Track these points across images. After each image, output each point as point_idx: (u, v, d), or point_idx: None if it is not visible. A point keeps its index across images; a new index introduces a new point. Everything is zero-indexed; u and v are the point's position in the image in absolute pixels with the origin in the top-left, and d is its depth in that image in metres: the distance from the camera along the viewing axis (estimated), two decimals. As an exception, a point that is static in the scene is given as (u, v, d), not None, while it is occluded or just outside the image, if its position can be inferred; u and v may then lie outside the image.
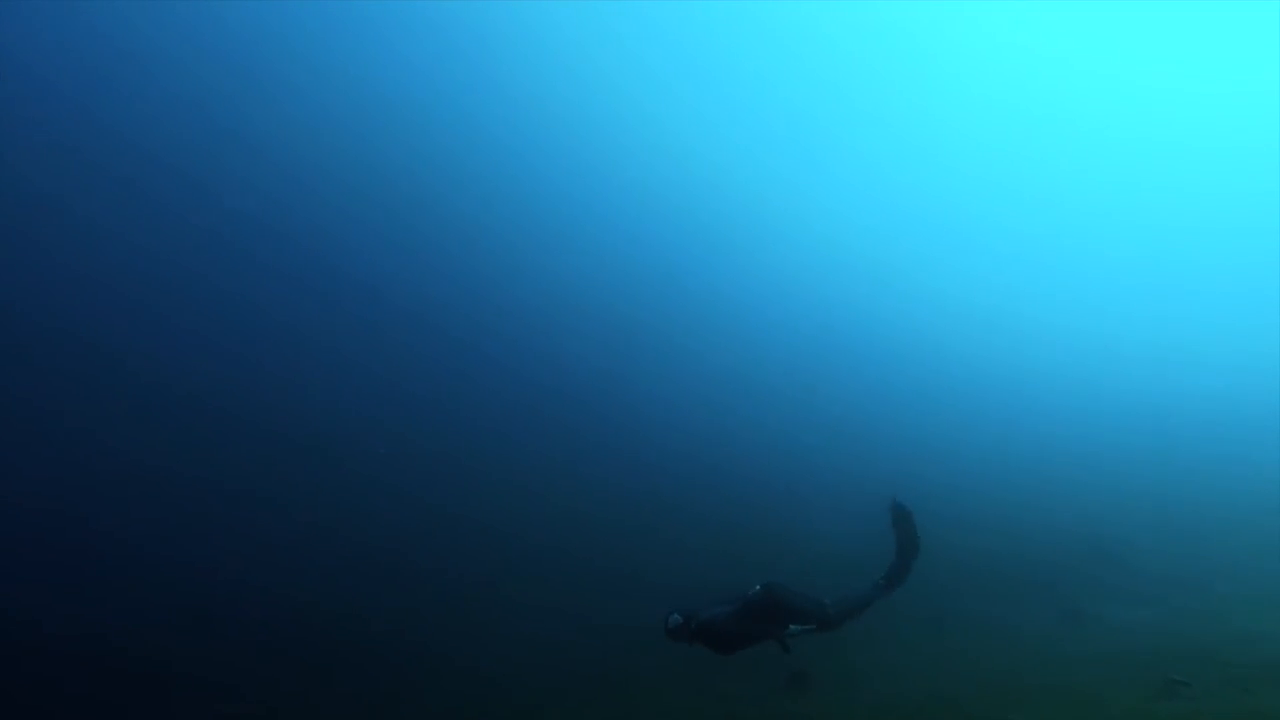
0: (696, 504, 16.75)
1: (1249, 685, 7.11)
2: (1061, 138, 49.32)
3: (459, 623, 11.90)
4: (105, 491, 15.58)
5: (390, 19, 29.18)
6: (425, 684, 10.18)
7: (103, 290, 20.12)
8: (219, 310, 21.88)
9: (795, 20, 42.36)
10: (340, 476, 17.52)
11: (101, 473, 16.04)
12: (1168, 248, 44.87)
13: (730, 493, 17.40)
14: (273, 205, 24.72)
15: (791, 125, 43.94)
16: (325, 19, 27.68)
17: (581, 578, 13.15)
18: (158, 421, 17.95)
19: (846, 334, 33.97)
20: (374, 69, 28.91)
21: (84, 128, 21.66)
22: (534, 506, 16.54)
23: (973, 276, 41.84)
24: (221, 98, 24.63)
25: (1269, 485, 16.16)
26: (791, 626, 5.92)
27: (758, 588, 5.89)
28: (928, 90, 47.27)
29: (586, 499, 16.95)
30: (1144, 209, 47.37)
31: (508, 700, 9.56)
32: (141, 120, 22.89)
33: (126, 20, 23.11)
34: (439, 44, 30.78)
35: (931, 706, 7.84)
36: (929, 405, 26.93)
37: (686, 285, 33.03)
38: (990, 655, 9.77)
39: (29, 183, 19.83)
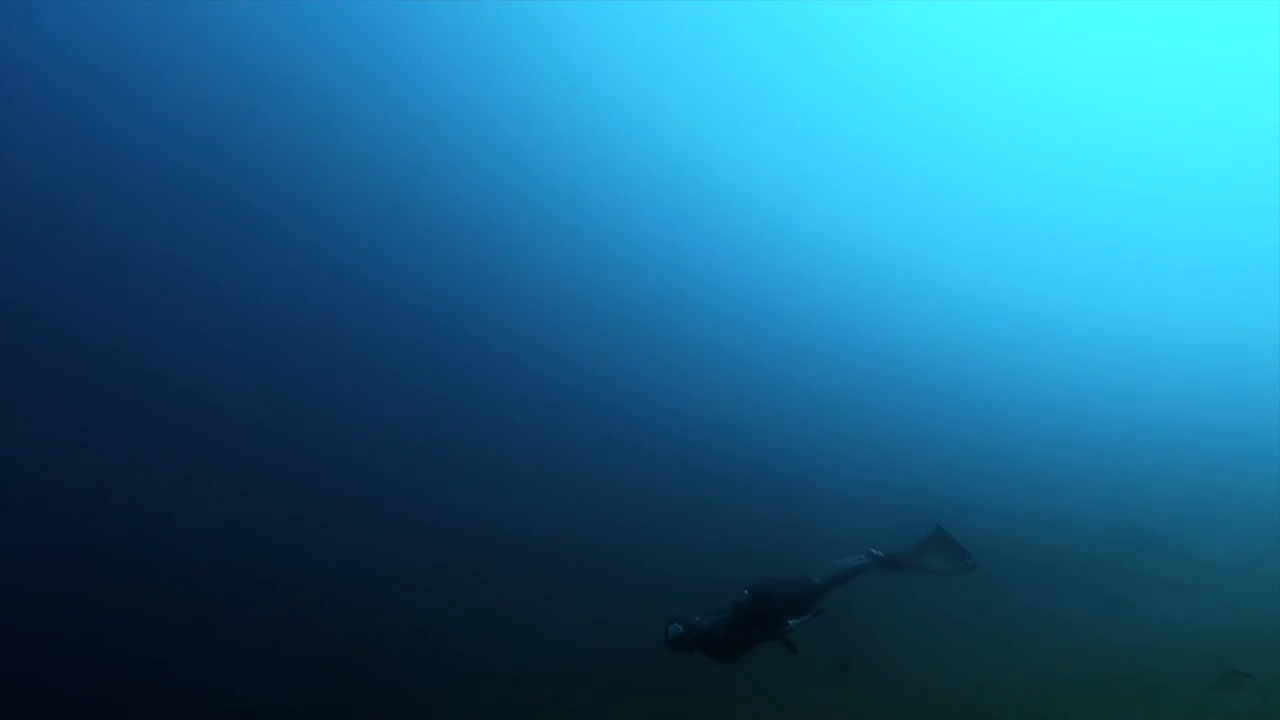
0: (723, 500, 16.41)
1: (1319, 677, 6.83)
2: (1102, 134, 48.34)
3: (488, 626, 11.68)
4: (106, 493, 15.46)
5: (400, 15, 28.83)
6: (460, 688, 9.98)
7: (100, 286, 19.99)
8: (220, 307, 21.71)
9: (805, 13, 41.66)
10: (354, 475, 17.32)
11: (105, 473, 15.94)
12: (1202, 233, 43.96)
13: (760, 490, 17.04)
14: (280, 202, 24.59)
15: (819, 125, 43.50)
16: (334, 16, 27.35)
17: (606, 575, 12.91)
18: (162, 421, 17.83)
19: (876, 327, 33.64)
20: (388, 67, 28.67)
21: (92, 129, 21.60)
22: (550, 505, 16.25)
23: (1004, 264, 41.31)
24: (228, 98, 24.46)
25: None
26: (789, 622, 5.90)
27: (745, 593, 5.90)
28: (949, 86, 46.54)
29: (607, 496, 16.71)
30: (1182, 192, 46.41)
31: (541, 701, 9.40)
32: (147, 120, 22.78)
33: (134, 20, 22.93)
34: (449, 41, 30.45)
35: (984, 698, 7.62)
36: (965, 394, 26.57)
37: (716, 284, 32.81)
38: (1036, 646, 9.49)
39: (33, 183, 19.78)
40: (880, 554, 6.70)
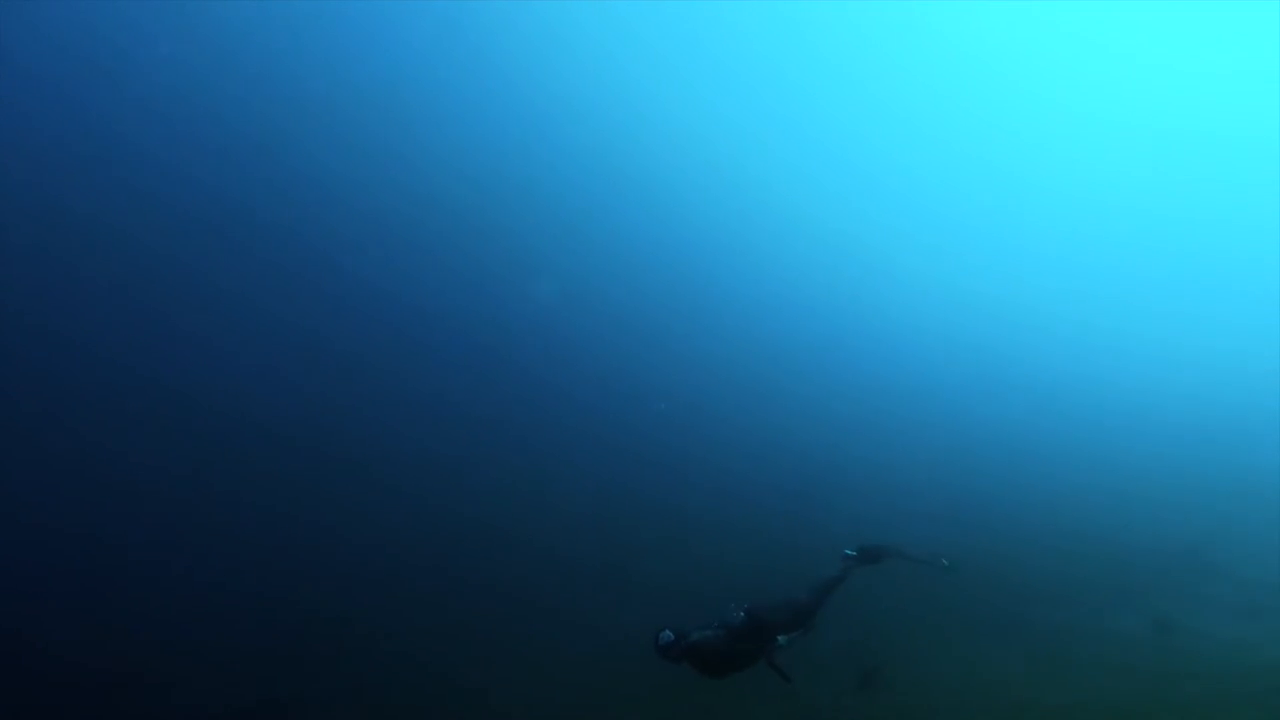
0: (737, 511, 15.98)
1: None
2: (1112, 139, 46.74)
3: (495, 636, 11.45)
4: (105, 493, 15.29)
5: (403, 13, 28.50)
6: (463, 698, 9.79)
7: (97, 289, 19.77)
8: (219, 311, 21.35)
9: (804, 14, 40.64)
10: (359, 482, 16.93)
11: (103, 473, 15.78)
12: (1229, 245, 42.37)
13: (788, 504, 16.57)
14: (281, 201, 24.20)
15: (829, 131, 42.58)
16: (337, 14, 26.92)
17: (613, 586, 12.60)
18: (163, 421, 17.71)
19: (906, 337, 33.00)
20: (391, 66, 28.05)
21: (92, 128, 21.47)
22: (561, 515, 15.94)
23: (1038, 277, 40.22)
24: (235, 98, 24.24)
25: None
26: (779, 638, 5.97)
27: (741, 614, 5.93)
28: (946, 87, 45.24)
29: (610, 506, 16.41)
30: (1216, 206, 44.73)
31: (556, 712, 9.19)
32: (146, 121, 22.48)
33: (133, 20, 22.57)
34: (451, 40, 29.83)
35: (1026, 718, 7.31)
36: (1011, 403, 25.90)
37: (738, 296, 32.35)
38: (1078, 665, 9.13)
39: (32, 184, 19.66)
40: (853, 552, 6.70)
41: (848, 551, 6.78)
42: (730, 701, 8.63)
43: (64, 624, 11.19)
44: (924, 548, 7.03)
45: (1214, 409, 24.21)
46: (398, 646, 10.85)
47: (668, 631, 5.81)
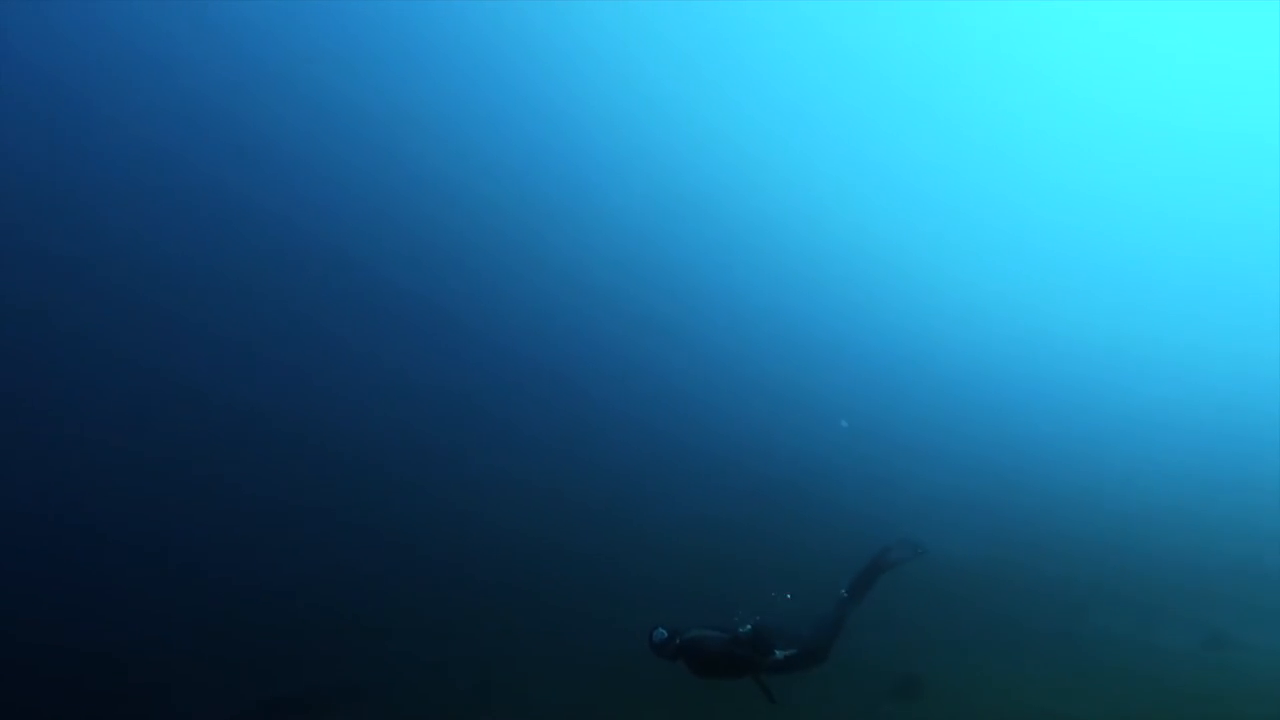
0: (756, 514, 15.72)
1: None
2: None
3: (510, 631, 11.44)
4: (104, 494, 15.47)
5: (410, 13, 28.49)
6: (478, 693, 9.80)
7: (99, 285, 19.91)
8: (231, 309, 21.42)
9: (814, 14, 39.77)
10: (370, 481, 17.17)
11: (103, 473, 15.94)
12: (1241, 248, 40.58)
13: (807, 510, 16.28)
14: (286, 200, 24.30)
15: (867, 143, 41.76)
16: (341, 15, 26.70)
17: (614, 586, 12.44)
18: (164, 421, 17.89)
19: (944, 346, 32.30)
20: (402, 70, 27.99)
21: (92, 128, 21.48)
22: (576, 513, 15.91)
23: (1070, 290, 38.98)
24: (242, 98, 24.33)
25: None
26: (776, 652, 5.95)
27: (748, 628, 5.90)
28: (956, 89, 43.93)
29: (610, 507, 16.33)
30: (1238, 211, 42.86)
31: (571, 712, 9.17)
32: (147, 120, 22.54)
33: (135, 19, 22.59)
34: (459, 41, 29.72)
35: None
36: (1055, 411, 25.27)
37: (758, 304, 31.93)
38: (1126, 678, 8.86)
39: (33, 184, 19.87)
40: (845, 592, 6.40)
41: (843, 592, 6.52)
42: (753, 709, 8.55)
43: (64, 624, 11.29)
44: (900, 546, 6.67)
45: (1269, 416, 23.32)
46: (398, 646, 10.88)
47: (661, 629, 5.79)
